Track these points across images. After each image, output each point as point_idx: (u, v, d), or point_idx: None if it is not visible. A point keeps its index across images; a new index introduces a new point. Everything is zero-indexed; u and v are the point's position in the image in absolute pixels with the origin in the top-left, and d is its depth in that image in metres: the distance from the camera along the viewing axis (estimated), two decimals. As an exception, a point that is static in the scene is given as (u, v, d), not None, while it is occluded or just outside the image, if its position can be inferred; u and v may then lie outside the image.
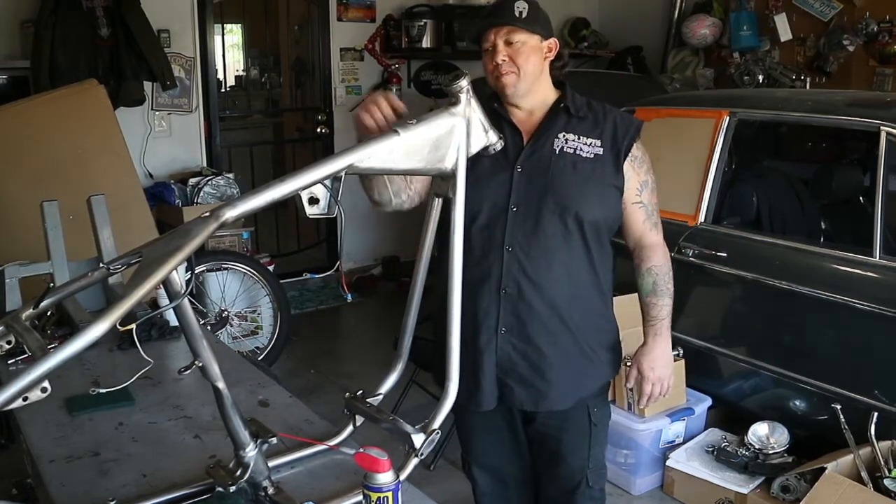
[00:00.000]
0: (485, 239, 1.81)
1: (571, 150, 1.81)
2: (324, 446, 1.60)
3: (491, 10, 1.83)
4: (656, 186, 1.91)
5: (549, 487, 2.03)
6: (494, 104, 1.84)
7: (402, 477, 1.35)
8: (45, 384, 1.05)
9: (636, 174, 1.85)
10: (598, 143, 1.82)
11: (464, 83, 1.55)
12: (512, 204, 1.79)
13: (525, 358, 1.83)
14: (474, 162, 1.73)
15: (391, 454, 1.30)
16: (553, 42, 1.83)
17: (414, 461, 1.41)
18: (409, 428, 1.43)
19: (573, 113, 1.83)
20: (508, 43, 1.77)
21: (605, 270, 1.88)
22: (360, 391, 1.60)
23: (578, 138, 1.81)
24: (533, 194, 1.78)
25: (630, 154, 1.84)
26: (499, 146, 1.66)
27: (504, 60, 1.77)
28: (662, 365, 1.92)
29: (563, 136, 1.82)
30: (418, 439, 1.41)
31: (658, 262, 1.91)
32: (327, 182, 1.31)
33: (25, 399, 1.05)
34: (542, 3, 1.82)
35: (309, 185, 1.29)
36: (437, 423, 1.44)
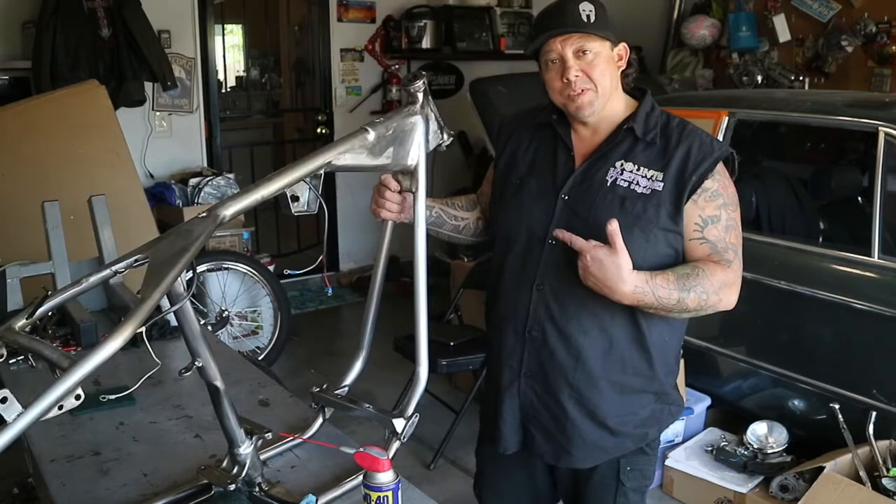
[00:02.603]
0: (518, 271, 1.64)
1: (625, 184, 1.55)
2: (299, 439, 1.62)
3: (550, 15, 1.56)
4: (734, 224, 1.56)
5: None
6: (553, 116, 1.64)
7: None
8: (79, 391, 1.09)
9: (698, 209, 1.53)
10: (660, 176, 1.53)
11: (420, 84, 1.58)
12: (550, 236, 1.58)
13: (547, 408, 1.65)
14: (522, 183, 1.68)
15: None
16: (623, 48, 1.58)
17: (396, 444, 1.48)
18: (387, 414, 1.50)
19: (640, 136, 1.57)
20: (579, 54, 1.52)
21: (654, 326, 1.60)
22: (325, 385, 1.65)
23: (638, 169, 1.55)
24: (574, 228, 1.53)
25: (700, 188, 1.52)
26: (447, 144, 1.65)
27: (578, 76, 1.52)
28: (610, 266, 1.43)
29: (621, 164, 1.56)
30: (399, 424, 1.48)
31: (710, 271, 1.50)
32: (307, 179, 1.40)
33: (61, 408, 1.08)
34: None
35: (295, 181, 1.37)
36: (412, 408, 1.51)
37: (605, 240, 1.45)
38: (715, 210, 1.54)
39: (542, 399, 1.66)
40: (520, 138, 1.74)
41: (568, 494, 1.80)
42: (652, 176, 1.54)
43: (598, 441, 1.65)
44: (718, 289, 1.50)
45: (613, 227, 1.44)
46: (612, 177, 1.57)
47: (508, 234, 1.69)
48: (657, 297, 1.47)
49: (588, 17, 1.51)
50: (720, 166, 1.56)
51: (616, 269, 1.43)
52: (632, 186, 1.55)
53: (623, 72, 1.60)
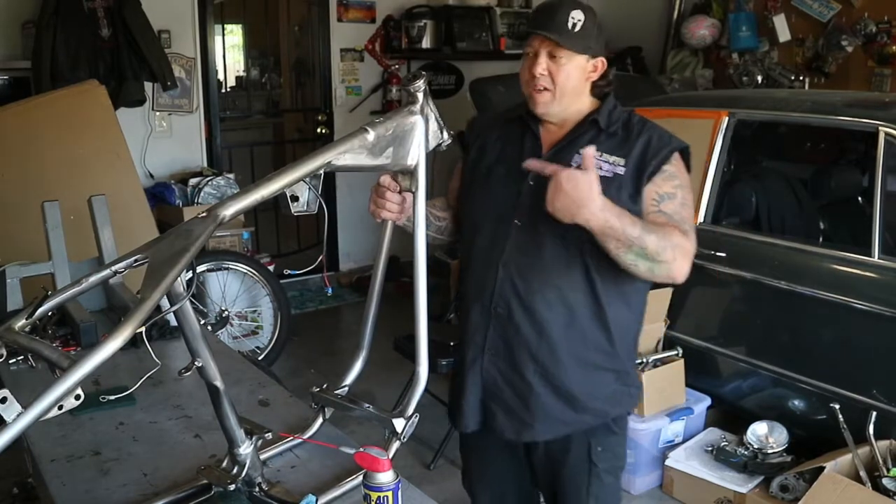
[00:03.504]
0: (485, 253, 1.72)
1: None
2: (299, 439, 1.63)
3: (541, 14, 1.67)
4: (689, 204, 1.65)
5: None
6: (524, 111, 1.73)
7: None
8: (79, 391, 1.09)
9: (656, 186, 1.62)
10: (622, 161, 1.64)
11: (420, 84, 1.59)
12: (516, 218, 1.68)
13: (510, 385, 1.72)
14: (490, 171, 1.75)
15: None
16: (601, 62, 1.68)
17: (396, 444, 1.50)
18: (387, 414, 1.51)
19: (603, 128, 1.67)
20: (552, 56, 1.63)
21: (613, 302, 1.68)
22: (325, 385, 1.66)
23: (601, 155, 1.63)
24: (540, 210, 1.58)
25: (659, 171, 1.63)
26: (447, 144, 1.67)
27: (542, 74, 1.63)
28: (583, 181, 1.46)
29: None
30: (399, 423, 1.50)
31: (670, 230, 1.56)
32: (307, 179, 1.41)
33: (61, 408, 1.08)
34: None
35: (295, 181, 1.37)
36: (412, 408, 1.53)
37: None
38: (671, 188, 1.63)
39: (505, 375, 1.72)
40: (490, 132, 1.82)
41: (545, 481, 1.85)
42: (614, 161, 1.64)
43: (559, 415, 1.72)
44: (675, 246, 1.55)
45: (590, 150, 1.51)
46: (576, 162, 1.63)
47: (476, 220, 1.75)
48: (622, 224, 1.49)
49: (574, 25, 1.62)
50: (677, 156, 1.67)
51: (588, 185, 1.46)
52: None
53: (594, 83, 1.70)
